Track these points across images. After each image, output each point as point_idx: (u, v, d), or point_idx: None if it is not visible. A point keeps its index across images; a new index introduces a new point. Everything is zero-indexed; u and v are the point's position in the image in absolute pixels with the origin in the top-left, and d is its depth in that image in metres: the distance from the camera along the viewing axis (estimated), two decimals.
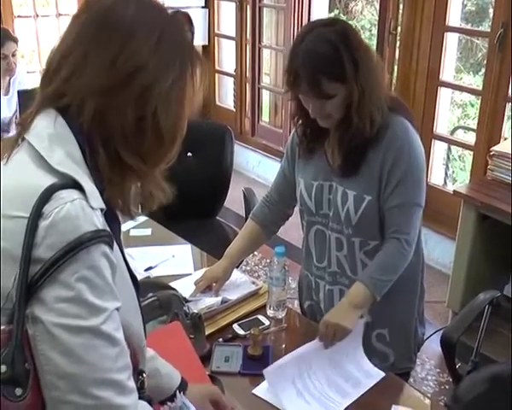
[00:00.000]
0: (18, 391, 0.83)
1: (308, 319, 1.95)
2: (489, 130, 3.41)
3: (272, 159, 5.02)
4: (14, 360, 0.83)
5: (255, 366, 1.64)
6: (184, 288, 1.88)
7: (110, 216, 0.93)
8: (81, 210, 0.85)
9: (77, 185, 0.87)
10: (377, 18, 4.04)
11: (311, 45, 1.58)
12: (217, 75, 5.51)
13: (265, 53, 5.06)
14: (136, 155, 0.94)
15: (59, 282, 0.83)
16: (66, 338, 0.83)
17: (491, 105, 3.37)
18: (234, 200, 3.46)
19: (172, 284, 1.87)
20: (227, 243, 3.02)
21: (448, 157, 4.77)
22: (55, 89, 0.93)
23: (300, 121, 1.78)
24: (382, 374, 1.63)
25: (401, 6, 3.74)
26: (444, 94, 3.79)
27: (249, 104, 5.19)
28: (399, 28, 3.79)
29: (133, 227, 2.38)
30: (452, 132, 5.05)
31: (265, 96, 5.20)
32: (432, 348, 2.80)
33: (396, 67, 3.86)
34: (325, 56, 1.57)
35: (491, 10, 3.50)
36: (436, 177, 4.02)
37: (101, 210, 0.90)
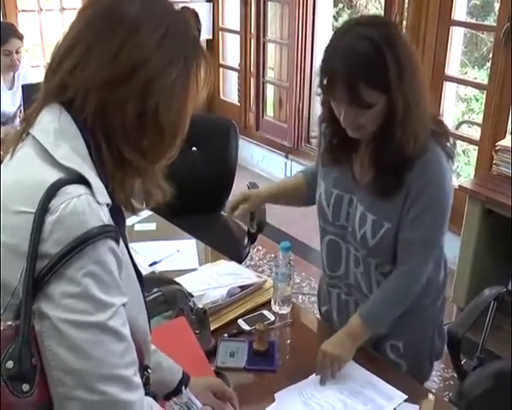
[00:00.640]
0: (25, 387, 0.83)
1: (324, 323, 1.88)
2: (494, 124, 3.40)
3: (277, 153, 5.02)
4: (21, 355, 0.83)
5: (260, 361, 1.64)
6: (189, 283, 1.87)
7: (115, 211, 0.93)
8: (88, 205, 0.85)
9: (83, 180, 0.87)
10: (382, 12, 4.02)
11: (350, 43, 1.40)
12: (221, 69, 5.50)
13: (270, 47, 5.05)
14: (136, 150, 0.93)
15: (66, 277, 0.83)
16: (73, 334, 0.83)
17: (497, 99, 3.35)
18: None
19: (177, 279, 1.87)
20: (232, 238, 3.05)
21: None
22: (58, 81, 0.92)
23: (328, 130, 1.63)
24: (404, 396, 1.53)
25: (406, 0, 3.72)
26: (449, 88, 3.77)
27: (254, 99, 5.18)
28: (405, 22, 3.77)
29: (138, 222, 2.38)
30: (457, 127, 5.04)
31: (270, 91, 5.18)
32: None
33: None
34: (366, 57, 1.38)
35: (496, 4, 3.49)
36: None
37: (107, 205, 0.90)
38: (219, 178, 3.17)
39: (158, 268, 2.07)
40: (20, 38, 3.63)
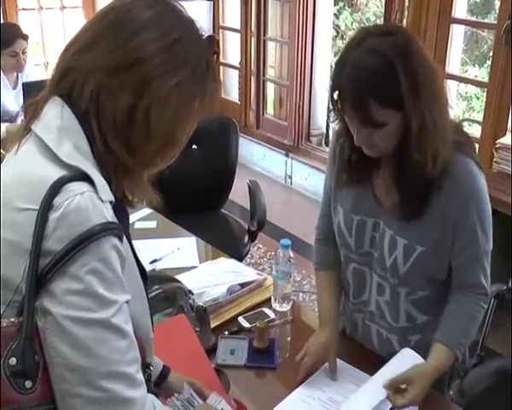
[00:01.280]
0: (28, 384, 0.83)
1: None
2: (495, 122, 3.39)
3: (277, 152, 5.02)
4: (24, 352, 0.83)
5: (261, 358, 1.64)
6: (189, 280, 1.88)
7: (118, 208, 0.93)
8: (91, 202, 0.85)
9: (86, 178, 0.87)
10: (382, 10, 4.02)
11: (359, 58, 1.30)
12: (221, 68, 5.50)
13: (270, 45, 5.04)
14: (122, 144, 0.93)
15: (69, 274, 0.83)
16: (76, 331, 0.83)
17: (497, 97, 3.35)
18: (239, 193, 3.46)
19: (177, 277, 1.87)
20: (232, 236, 3.05)
21: None
22: (63, 66, 0.94)
23: (346, 144, 1.51)
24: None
25: None
26: (449, 86, 3.77)
27: (254, 97, 5.18)
28: (405, 21, 3.77)
29: (138, 220, 2.39)
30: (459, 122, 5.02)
31: (270, 89, 5.18)
32: None
33: None
34: (375, 73, 1.28)
35: (497, 2, 3.49)
36: None
37: (110, 202, 0.90)
38: (220, 177, 3.17)
39: (158, 266, 2.08)
40: (26, 38, 3.65)
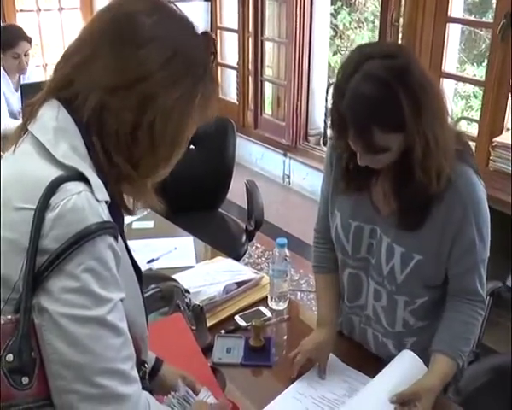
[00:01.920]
0: (24, 380, 0.85)
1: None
2: (491, 121, 3.40)
3: (275, 151, 5.03)
4: (21, 349, 0.84)
5: (257, 357, 1.65)
6: (186, 279, 1.89)
7: (114, 208, 0.94)
8: (87, 202, 0.87)
9: (82, 178, 0.88)
10: (379, 9, 4.03)
11: (358, 86, 1.28)
12: (219, 68, 5.50)
13: (268, 45, 5.05)
14: (126, 160, 0.94)
15: (65, 273, 0.84)
16: (72, 328, 0.84)
17: (494, 96, 3.36)
18: (236, 192, 3.47)
19: (175, 277, 1.88)
20: (229, 236, 3.06)
21: None
22: (64, 75, 0.95)
23: (345, 155, 1.49)
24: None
25: None
26: (446, 85, 3.78)
27: (252, 97, 5.18)
28: (401, 20, 3.78)
29: (135, 220, 2.40)
30: (455, 124, 5.03)
31: (268, 89, 5.19)
32: None
33: None
34: (375, 101, 1.27)
35: (494, 1, 3.49)
36: None
37: (106, 202, 0.91)
38: (217, 176, 3.18)
39: (155, 266, 2.09)
40: (29, 41, 3.66)
